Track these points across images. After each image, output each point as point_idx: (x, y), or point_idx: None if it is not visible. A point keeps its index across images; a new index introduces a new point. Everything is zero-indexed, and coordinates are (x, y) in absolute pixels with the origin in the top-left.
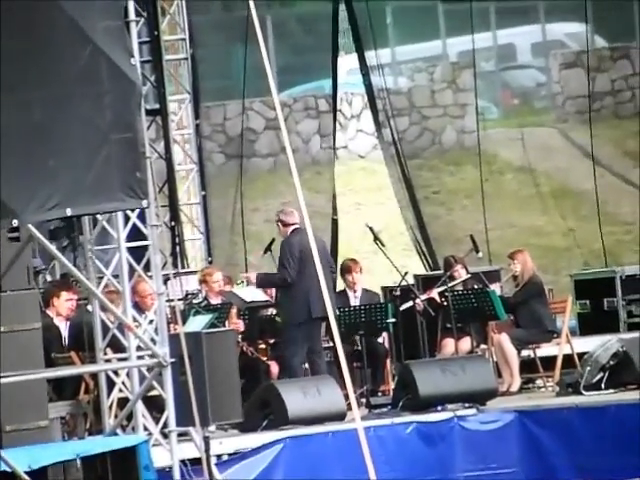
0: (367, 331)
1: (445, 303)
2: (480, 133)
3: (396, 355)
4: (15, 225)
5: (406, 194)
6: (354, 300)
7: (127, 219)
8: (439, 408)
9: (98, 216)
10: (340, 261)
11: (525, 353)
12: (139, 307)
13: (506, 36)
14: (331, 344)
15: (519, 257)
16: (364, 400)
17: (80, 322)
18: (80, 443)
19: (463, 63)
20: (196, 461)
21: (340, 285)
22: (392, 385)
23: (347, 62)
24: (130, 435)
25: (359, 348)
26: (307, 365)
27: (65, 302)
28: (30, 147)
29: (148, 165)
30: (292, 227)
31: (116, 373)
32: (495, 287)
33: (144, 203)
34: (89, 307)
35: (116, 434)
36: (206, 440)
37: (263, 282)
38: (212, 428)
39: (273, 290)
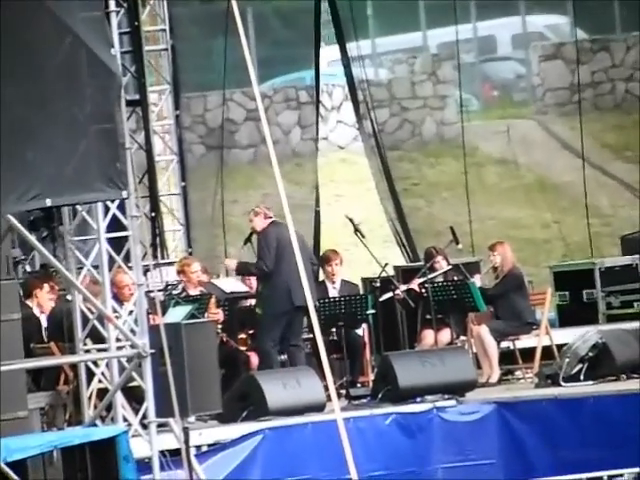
0: (347, 322)
1: (425, 294)
2: (461, 125)
3: (376, 346)
4: None
5: (386, 186)
6: (333, 291)
7: (107, 210)
8: (418, 399)
9: (78, 207)
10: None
11: (504, 345)
12: (117, 298)
13: (486, 28)
14: (309, 335)
15: (499, 249)
16: (344, 391)
17: (60, 312)
18: (59, 434)
19: (443, 55)
20: (175, 452)
21: (321, 276)
22: (371, 376)
23: (327, 53)
24: (109, 426)
25: (335, 339)
26: (286, 356)
27: (47, 295)
28: (9, 138)
29: (128, 156)
30: (269, 220)
31: (95, 364)
32: (475, 279)
33: (124, 194)
34: (68, 297)
35: (95, 425)
36: (185, 431)
37: (242, 270)
38: (191, 419)
39: (253, 281)
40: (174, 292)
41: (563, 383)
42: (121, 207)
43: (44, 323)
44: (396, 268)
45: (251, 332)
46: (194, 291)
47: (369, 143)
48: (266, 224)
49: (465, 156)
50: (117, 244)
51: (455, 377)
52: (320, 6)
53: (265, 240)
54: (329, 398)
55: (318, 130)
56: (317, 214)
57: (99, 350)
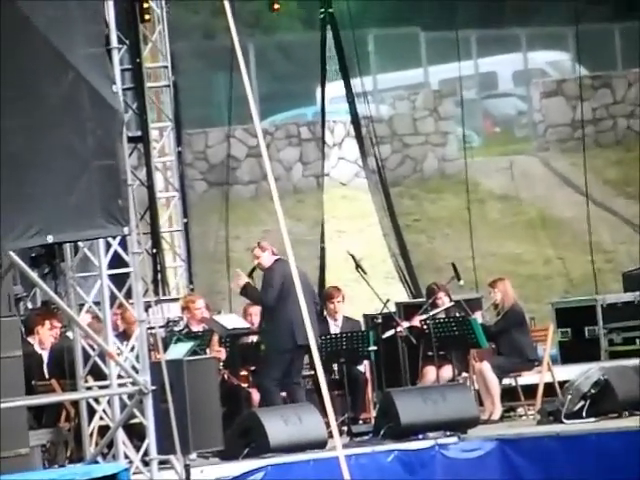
0: (348, 359)
1: (427, 331)
2: (463, 161)
3: (377, 383)
4: None
5: (389, 221)
6: (334, 328)
7: (108, 246)
8: (420, 436)
9: (79, 243)
10: None
11: (506, 381)
12: (127, 334)
13: (487, 64)
14: (310, 372)
15: (499, 286)
16: (345, 428)
17: (61, 349)
18: (61, 471)
19: (445, 91)
20: None
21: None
22: (373, 413)
23: (329, 90)
24: (111, 463)
25: (336, 377)
26: (285, 394)
27: (49, 331)
28: (11, 174)
29: (130, 192)
30: (275, 257)
31: (97, 401)
32: (477, 315)
33: (125, 230)
34: (69, 334)
35: (97, 462)
36: (187, 468)
37: (248, 292)
38: (193, 456)
39: (254, 317)
40: (175, 328)
41: (565, 420)
42: (122, 243)
43: (45, 360)
44: (398, 304)
45: (252, 369)
46: (197, 327)
47: (372, 179)
48: (272, 261)
49: (468, 192)
50: (119, 280)
51: (457, 414)
52: (325, 42)
53: (271, 277)
54: (331, 435)
55: (324, 166)
56: (322, 250)
57: (100, 387)
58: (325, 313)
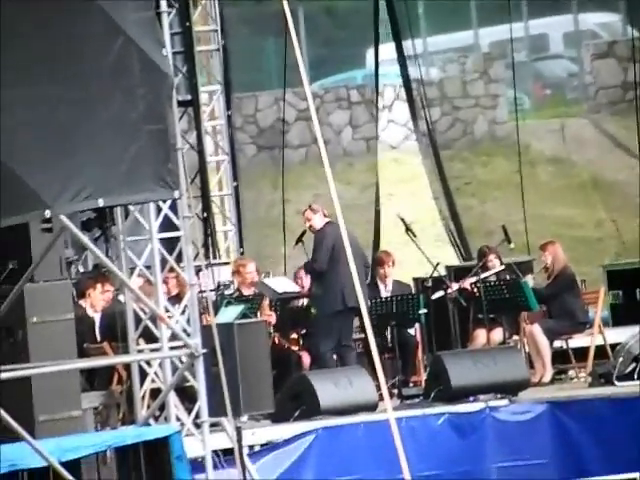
0: (399, 322)
1: (477, 294)
2: (513, 124)
3: (428, 346)
4: (48, 216)
5: (440, 185)
6: (385, 292)
7: (159, 210)
8: (471, 399)
9: (130, 207)
10: None
11: (557, 344)
12: (180, 297)
13: (538, 26)
14: (361, 335)
15: (550, 249)
16: (396, 391)
17: (112, 313)
18: (113, 434)
19: (495, 54)
20: (228, 451)
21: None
22: (424, 376)
23: (379, 53)
24: (163, 425)
25: (387, 341)
26: (336, 357)
27: (100, 294)
28: (62, 138)
29: (180, 156)
30: (326, 219)
31: (148, 364)
32: (528, 278)
33: (176, 194)
34: (121, 297)
35: (149, 424)
36: (238, 431)
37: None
38: (244, 419)
39: (305, 281)
40: (226, 292)
41: (616, 382)
42: (173, 207)
43: (97, 323)
44: (448, 268)
45: (303, 332)
46: (248, 291)
47: (423, 142)
48: (324, 223)
49: (514, 155)
50: (169, 244)
51: (508, 377)
52: (378, 4)
53: (322, 239)
54: (381, 397)
55: (377, 128)
56: (377, 213)
57: (152, 350)
58: (376, 278)
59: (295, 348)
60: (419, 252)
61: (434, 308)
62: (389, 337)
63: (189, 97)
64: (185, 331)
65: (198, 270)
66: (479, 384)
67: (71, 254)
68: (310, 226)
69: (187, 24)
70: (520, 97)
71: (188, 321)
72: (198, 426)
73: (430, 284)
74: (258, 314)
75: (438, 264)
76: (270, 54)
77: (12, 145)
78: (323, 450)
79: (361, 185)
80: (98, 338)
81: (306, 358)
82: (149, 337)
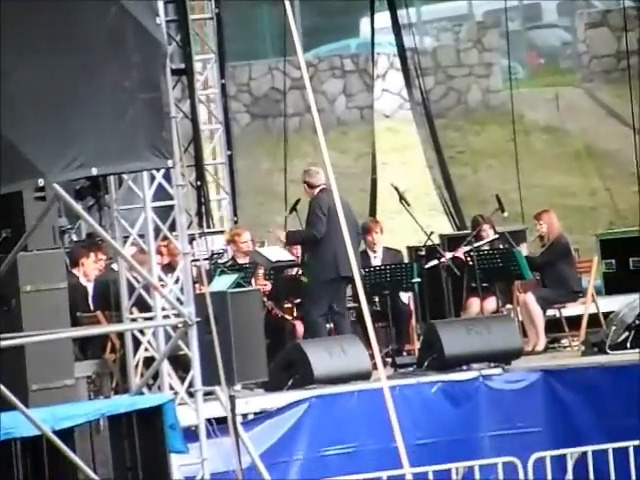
0: (392, 291)
1: (471, 263)
2: (507, 93)
3: (421, 315)
4: (41, 185)
5: (434, 154)
6: (374, 260)
7: (153, 179)
8: (464, 368)
9: (124, 176)
10: None
11: (550, 313)
12: (171, 266)
13: None
14: (354, 304)
15: (545, 218)
16: (389, 360)
17: (106, 281)
18: (106, 402)
19: (488, 23)
20: (222, 420)
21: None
22: (417, 345)
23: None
24: (156, 394)
25: (379, 309)
26: (331, 325)
27: (94, 263)
28: (56, 107)
29: (173, 125)
30: (319, 187)
31: (142, 332)
32: (522, 247)
33: (169, 163)
34: (114, 266)
35: (142, 393)
36: (232, 399)
37: (292, 239)
38: (238, 387)
39: (299, 250)
40: (220, 261)
41: (609, 351)
42: (167, 176)
43: (90, 292)
44: (442, 236)
45: (297, 301)
46: (242, 260)
47: (417, 111)
48: (316, 191)
49: (508, 124)
50: (163, 213)
51: (501, 345)
52: None
53: (318, 205)
54: (375, 366)
55: (374, 96)
56: (373, 182)
57: (145, 319)
58: (364, 246)
59: (289, 317)
60: (413, 221)
61: (427, 277)
62: (378, 305)
63: (183, 66)
64: (179, 300)
65: (192, 239)
66: (472, 353)
67: (64, 223)
68: (308, 183)
69: None
70: (514, 66)
71: (182, 290)
72: (191, 395)
73: (424, 253)
74: (252, 283)
75: (432, 233)
76: (264, 22)
77: (6, 114)
78: (316, 419)
79: (356, 153)
80: (91, 307)
81: (300, 327)
82: (142, 306)
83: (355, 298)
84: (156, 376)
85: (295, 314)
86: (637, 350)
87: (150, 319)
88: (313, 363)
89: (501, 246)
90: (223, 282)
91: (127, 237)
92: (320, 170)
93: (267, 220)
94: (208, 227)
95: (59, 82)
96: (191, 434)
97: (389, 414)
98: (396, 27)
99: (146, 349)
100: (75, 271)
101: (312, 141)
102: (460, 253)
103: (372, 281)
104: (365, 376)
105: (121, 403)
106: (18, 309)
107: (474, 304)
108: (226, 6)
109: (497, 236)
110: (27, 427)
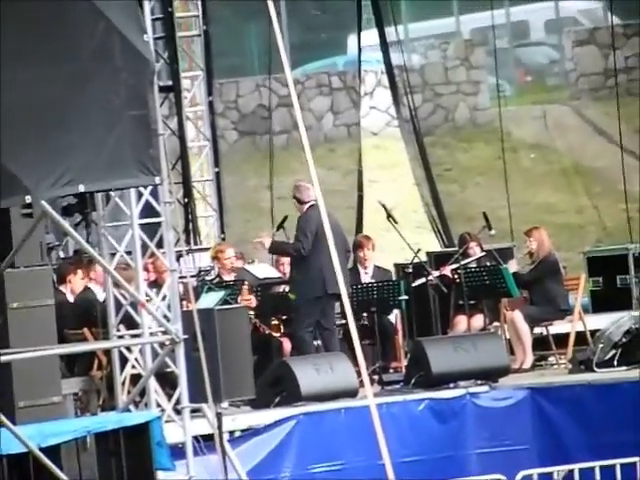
0: (379, 308)
1: (458, 280)
2: (495, 110)
3: (408, 332)
4: (28, 201)
5: (422, 171)
6: (365, 277)
7: (140, 196)
8: (451, 385)
9: (111, 193)
10: None
11: (538, 330)
12: (157, 283)
13: (519, 13)
14: (342, 321)
15: (535, 235)
16: (376, 377)
17: (86, 298)
18: (93, 419)
19: (476, 40)
20: (209, 437)
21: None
22: (404, 362)
23: (361, 39)
24: (143, 411)
25: (366, 324)
26: (319, 342)
27: (81, 280)
28: (44, 123)
29: (161, 142)
30: (309, 204)
31: (129, 349)
32: (510, 264)
33: (157, 180)
34: (90, 285)
35: (129, 410)
36: (219, 416)
37: (276, 248)
38: (225, 404)
39: (286, 267)
40: (207, 278)
41: (596, 369)
42: (154, 193)
43: (77, 309)
44: (429, 254)
45: (284, 318)
46: (228, 277)
47: (405, 128)
48: (307, 205)
49: (495, 142)
50: (150, 230)
51: (488, 363)
52: None
53: (306, 222)
54: (362, 384)
55: (360, 113)
56: (360, 199)
57: (132, 336)
58: (356, 262)
59: (276, 334)
60: (400, 238)
61: (415, 294)
62: (366, 322)
63: (170, 83)
64: (166, 317)
65: (179, 256)
66: (460, 370)
67: (52, 239)
68: (296, 199)
69: (168, 10)
70: (502, 84)
71: (169, 307)
72: (178, 412)
73: (411, 270)
74: (238, 300)
75: (419, 250)
76: (251, 39)
77: None
78: (304, 436)
79: (343, 171)
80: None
81: (287, 344)
82: (130, 323)
83: (342, 315)
84: (143, 393)
85: (282, 331)
86: (624, 368)
87: (137, 336)
88: (300, 380)
89: (488, 263)
90: (210, 299)
91: (114, 254)
92: (310, 186)
93: (254, 237)
94: (195, 244)
95: (46, 99)
96: (178, 451)
97: (376, 431)
98: (384, 44)
99: (133, 366)
100: (62, 288)
101: (299, 158)
102: (447, 271)
103: (360, 298)
104: (352, 393)
105: (108, 420)
106: (5, 326)
107: (461, 322)
108: (214, 22)
109: (484, 253)
110: (14, 444)
